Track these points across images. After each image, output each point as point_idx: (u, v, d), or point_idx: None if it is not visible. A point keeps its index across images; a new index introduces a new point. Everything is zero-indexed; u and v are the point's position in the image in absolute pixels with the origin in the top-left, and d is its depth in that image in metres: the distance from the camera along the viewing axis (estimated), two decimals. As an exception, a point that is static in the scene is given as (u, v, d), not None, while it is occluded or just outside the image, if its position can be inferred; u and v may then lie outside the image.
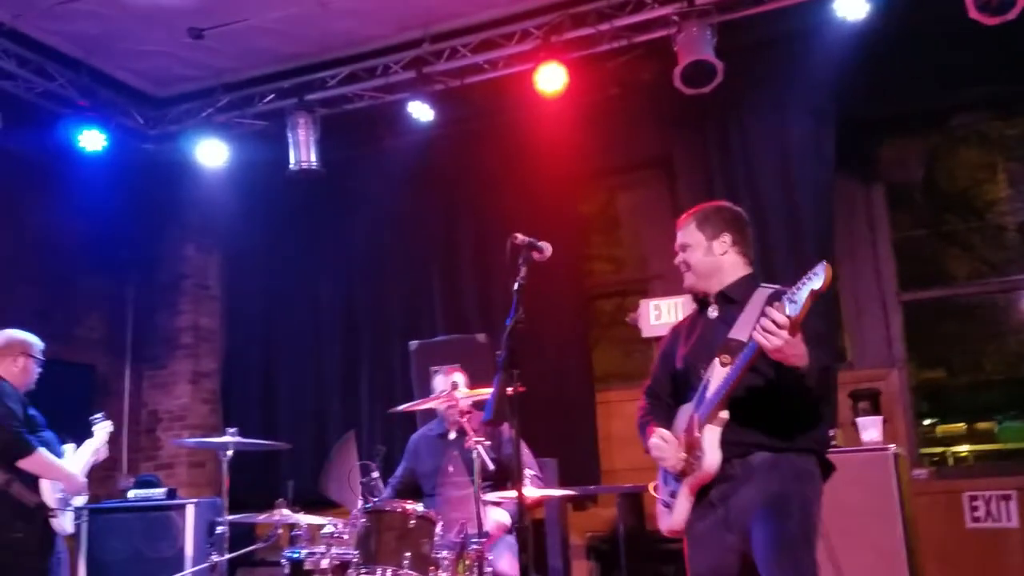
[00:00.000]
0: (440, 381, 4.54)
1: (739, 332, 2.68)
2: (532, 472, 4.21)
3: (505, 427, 4.11)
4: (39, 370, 4.40)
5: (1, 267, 6.26)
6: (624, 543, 4.93)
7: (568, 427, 5.90)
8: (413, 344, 5.79)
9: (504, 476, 4.16)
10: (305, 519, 4.21)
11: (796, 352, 2.44)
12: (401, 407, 4.43)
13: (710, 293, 2.90)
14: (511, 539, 4.29)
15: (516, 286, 2.89)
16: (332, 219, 7.07)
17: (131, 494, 6.05)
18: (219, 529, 4.55)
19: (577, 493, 4.98)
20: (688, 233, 2.94)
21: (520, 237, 2.93)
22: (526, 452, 4.24)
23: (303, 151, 6.19)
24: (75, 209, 6.60)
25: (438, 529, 3.81)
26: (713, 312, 2.88)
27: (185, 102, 6.66)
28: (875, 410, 5.06)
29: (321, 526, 4.12)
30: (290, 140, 6.21)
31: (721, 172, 5.96)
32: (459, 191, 6.69)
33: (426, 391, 5.42)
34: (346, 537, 3.91)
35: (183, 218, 7.41)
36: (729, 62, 5.27)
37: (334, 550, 3.87)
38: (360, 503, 3.93)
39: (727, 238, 2.89)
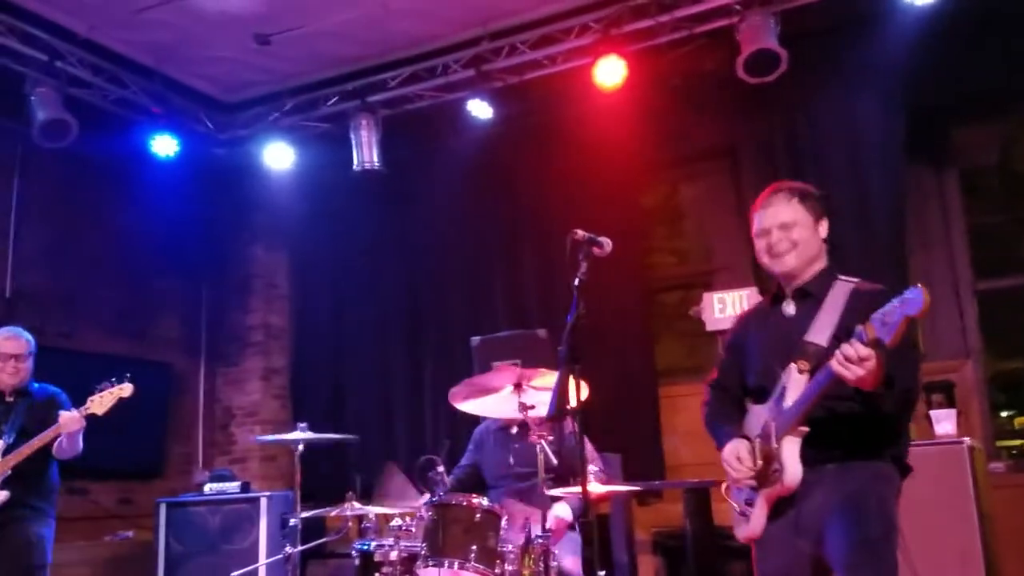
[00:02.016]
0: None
1: (817, 335, 2.54)
2: (595, 467, 4.21)
3: (568, 421, 4.11)
4: (8, 371, 4.20)
5: (81, 270, 6.52)
6: (691, 539, 4.89)
7: (632, 422, 5.87)
8: (475, 339, 5.83)
9: (567, 470, 4.16)
10: (374, 511, 4.28)
11: (876, 379, 2.29)
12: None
13: (789, 284, 2.72)
14: (574, 535, 4.29)
15: (577, 282, 2.88)
16: (395, 217, 7.17)
17: (207, 488, 6.23)
18: (292, 522, 4.66)
19: (642, 488, 4.95)
20: (793, 210, 2.67)
21: (580, 233, 2.92)
22: (589, 447, 4.23)
23: (366, 151, 6.30)
24: (150, 213, 6.84)
25: (503, 523, 3.84)
26: (790, 308, 2.71)
27: (253, 107, 6.85)
28: (949, 403, 4.91)
29: (390, 518, 4.19)
30: (353, 141, 6.32)
31: (788, 161, 5.86)
32: (519, 187, 6.72)
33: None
34: (413, 530, 3.97)
35: (252, 220, 7.62)
36: (794, 50, 5.17)
37: (402, 543, 3.93)
38: (426, 496, 3.99)
39: (826, 223, 2.72)
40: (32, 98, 5.59)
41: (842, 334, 2.43)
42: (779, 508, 2.60)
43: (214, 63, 6.42)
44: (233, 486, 6.17)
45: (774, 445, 2.56)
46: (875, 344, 2.23)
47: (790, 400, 2.54)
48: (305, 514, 4.60)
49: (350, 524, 4.88)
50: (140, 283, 6.97)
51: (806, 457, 2.53)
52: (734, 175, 6.37)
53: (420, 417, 6.78)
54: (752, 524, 2.68)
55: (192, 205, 7.13)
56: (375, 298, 7.19)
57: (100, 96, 6.16)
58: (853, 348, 2.24)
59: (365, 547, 4.11)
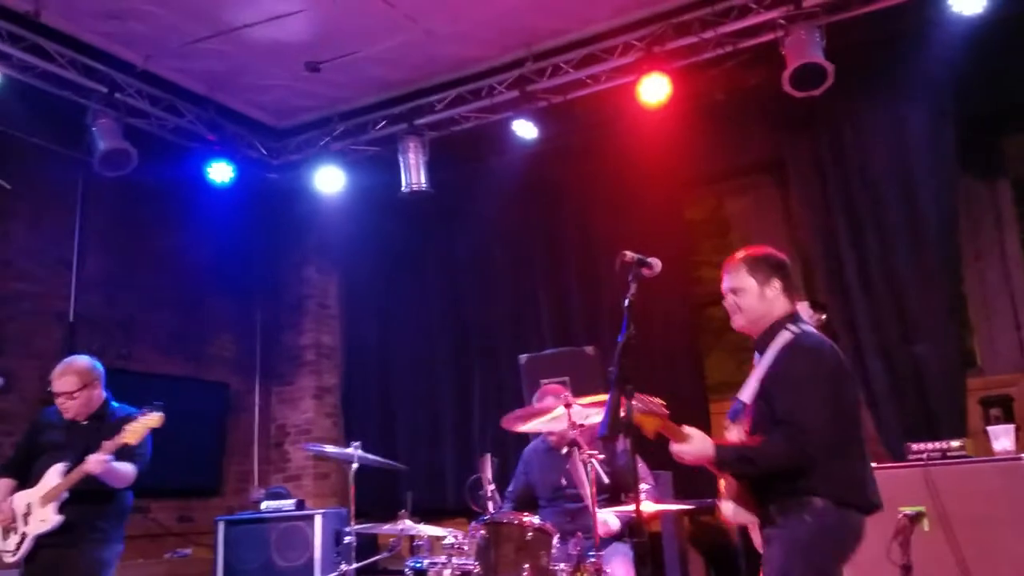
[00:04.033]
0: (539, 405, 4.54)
1: (745, 391, 2.86)
2: (646, 485, 4.21)
3: (620, 440, 4.12)
4: (62, 403, 4.18)
5: (140, 294, 6.72)
6: (744, 557, 4.85)
7: (682, 439, 5.84)
8: (523, 357, 5.87)
9: (618, 489, 4.17)
10: (427, 530, 4.33)
11: (692, 459, 2.77)
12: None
13: (755, 338, 2.99)
14: (624, 547, 4.29)
15: (626, 303, 2.90)
16: (441, 237, 7.27)
17: (263, 505, 6.35)
18: (347, 539, 4.73)
19: (694, 507, 4.92)
20: (740, 278, 3.00)
21: (630, 254, 2.95)
22: (641, 465, 4.24)
23: (414, 173, 6.40)
24: (205, 237, 7.05)
25: (555, 541, 3.86)
26: (757, 359, 2.96)
27: (304, 132, 7.02)
28: (1008, 418, 4.80)
29: (442, 537, 4.24)
30: (401, 163, 6.43)
31: (836, 174, 5.81)
32: (563, 205, 6.76)
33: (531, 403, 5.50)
34: (466, 548, 4.01)
35: (304, 242, 7.78)
36: (840, 62, 5.14)
37: (455, 560, 3.98)
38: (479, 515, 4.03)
39: (777, 284, 2.97)
40: (93, 129, 5.81)
41: (762, 391, 2.79)
42: (764, 537, 2.86)
43: (266, 91, 6.60)
44: (288, 503, 6.28)
45: None
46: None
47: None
48: (360, 528, 4.67)
49: (402, 541, 4.93)
50: (196, 305, 7.16)
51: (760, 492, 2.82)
52: (781, 189, 6.33)
53: (468, 434, 6.84)
54: (754, 538, 2.95)
55: (246, 229, 7.32)
56: (423, 317, 7.28)
57: (158, 125, 6.37)
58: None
59: (418, 565, 4.16)
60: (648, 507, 3.85)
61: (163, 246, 6.91)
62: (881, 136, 5.69)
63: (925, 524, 4.26)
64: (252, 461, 7.48)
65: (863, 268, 5.63)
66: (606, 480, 3.89)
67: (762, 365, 2.85)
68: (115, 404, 4.31)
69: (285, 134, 7.16)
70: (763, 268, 2.99)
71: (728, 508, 2.92)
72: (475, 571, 3.79)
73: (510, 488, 4.78)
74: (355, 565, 4.75)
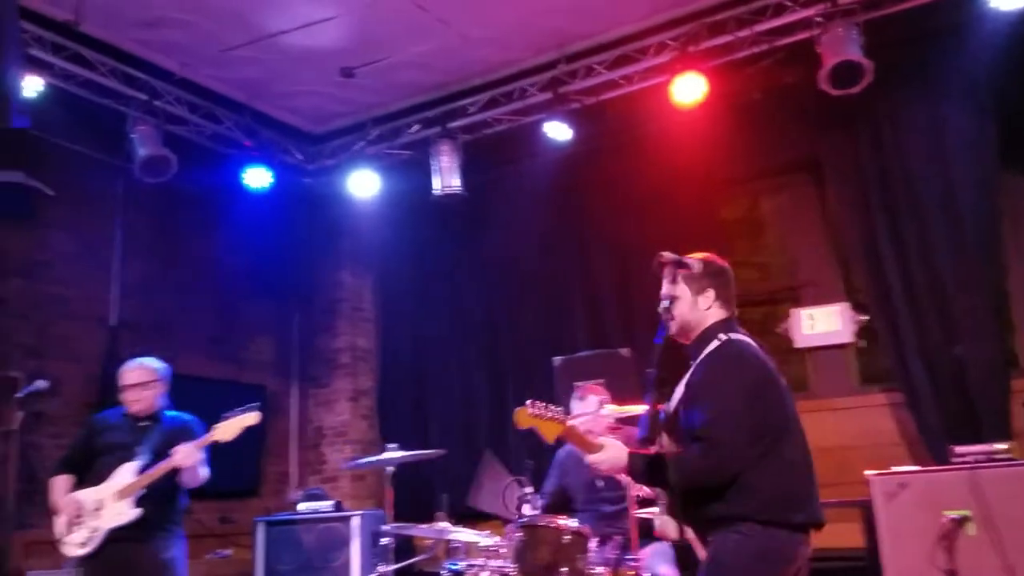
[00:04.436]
0: (582, 404, 4.53)
1: (675, 398, 2.83)
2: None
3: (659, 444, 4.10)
4: (132, 398, 4.35)
5: (179, 298, 6.82)
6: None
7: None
8: (557, 360, 5.85)
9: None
10: (465, 533, 4.34)
11: (607, 469, 2.77)
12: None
13: (687, 346, 2.93)
14: (665, 547, 4.26)
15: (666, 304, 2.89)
16: (474, 239, 7.29)
17: (301, 506, 6.41)
18: (384, 540, 4.76)
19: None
20: (675, 287, 2.94)
21: (668, 255, 2.93)
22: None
23: (447, 176, 6.43)
24: (243, 242, 7.13)
25: (592, 544, 3.85)
26: (691, 364, 2.90)
27: (339, 137, 7.09)
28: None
29: (478, 540, 4.24)
30: (434, 167, 6.46)
31: (875, 172, 5.73)
32: (597, 205, 6.74)
33: (568, 406, 5.49)
34: (503, 551, 4.01)
35: (339, 246, 7.85)
36: (878, 60, 5.07)
37: (492, 563, 3.98)
38: (515, 517, 4.03)
39: (711, 293, 2.91)
40: (133, 136, 5.91)
41: (685, 400, 2.75)
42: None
43: (301, 96, 6.67)
44: (326, 505, 6.33)
45: None
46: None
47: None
48: (397, 530, 4.69)
49: (438, 543, 4.95)
50: (234, 309, 7.26)
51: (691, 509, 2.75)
52: (818, 188, 6.26)
53: (503, 437, 6.84)
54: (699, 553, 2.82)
55: (282, 233, 7.40)
56: (456, 319, 7.30)
57: (196, 132, 6.46)
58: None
59: (455, 567, 4.17)
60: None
61: (202, 251, 7.01)
62: (920, 134, 5.60)
63: (970, 528, 4.18)
64: (289, 463, 7.56)
65: (904, 268, 5.54)
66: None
67: (689, 373, 2.81)
68: (169, 412, 4.45)
69: (320, 139, 7.24)
70: (699, 278, 2.94)
71: (657, 522, 2.86)
72: (512, 574, 3.79)
73: (544, 491, 4.77)
74: (393, 566, 4.76)
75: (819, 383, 6.12)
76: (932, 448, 5.24)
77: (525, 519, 3.94)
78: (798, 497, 2.68)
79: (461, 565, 4.15)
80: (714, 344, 2.79)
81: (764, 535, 2.58)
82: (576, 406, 4.50)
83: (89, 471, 4.25)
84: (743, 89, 5.87)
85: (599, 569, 3.77)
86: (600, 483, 4.45)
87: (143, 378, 4.37)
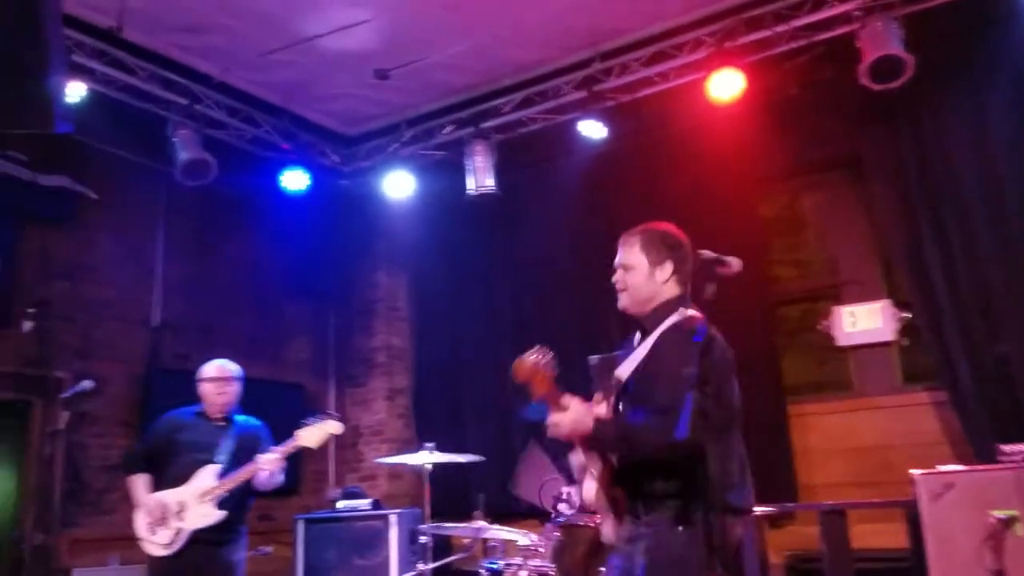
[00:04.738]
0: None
1: (625, 368, 2.71)
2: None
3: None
4: (216, 391, 4.52)
5: (219, 299, 6.92)
6: (828, 563, 4.73)
7: (760, 441, 5.70)
8: (593, 359, 5.81)
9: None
10: (503, 532, 4.35)
11: (568, 431, 2.56)
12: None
13: (640, 318, 2.83)
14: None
15: (704, 303, 2.86)
16: (509, 239, 7.29)
17: (339, 505, 6.47)
18: (422, 539, 4.79)
19: (776, 510, 4.82)
20: (631, 253, 2.87)
21: (706, 253, 2.90)
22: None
23: (481, 176, 6.44)
24: (281, 243, 7.23)
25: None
26: (636, 338, 2.83)
27: (373, 139, 7.14)
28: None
29: (515, 538, 4.25)
30: (468, 167, 6.48)
31: (916, 168, 5.63)
32: (632, 203, 6.67)
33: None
34: (541, 549, 4.02)
35: (374, 246, 7.90)
36: (919, 54, 4.98)
37: (530, 562, 3.99)
38: (551, 515, 4.03)
39: (669, 267, 2.84)
40: (174, 140, 6.01)
41: (641, 368, 2.66)
42: (624, 537, 2.65)
43: (337, 99, 6.73)
44: (364, 503, 6.38)
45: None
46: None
47: None
48: (435, 528, 4.72)
49: (476, 542, 4.97)
50: (273, 310, 7.34)
51: (630, 487, 2.63)
52: (858, 184, 6.16)
53: (538, 436, 6.83)
54: (604, 531, 2.73)
55: (319, 235, 7.47)
56: (491, 319, 7.31)
57: (235, 135, 6.55)
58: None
59: (494, 566, 4.18)
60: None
61: (241, 252, 7.11)
62: (963, 128, 5.49)
63: (1018, 528, 4.09)
64: (328, 461, 7.62)
65: (947, 265, 5.44)
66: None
67: (645, 345, 2.73)
68: (238, 415, 4.60)
69: (355, 141, 7.29)
70: (658, 247, 2.87)
71: (591, 489, 2.71)
72: (550, 573, 3.79)
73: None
74: (431, 565, 4.79)
75: (861, 382, 6.03)
76: (977, 447, 5.14)
77: (563, 518, 3.94)
78: (737, 484, 2.64)
79: (499, 564, 4.16)
80: (675, 317, 2.72)
81: (709, 522, 2.52)
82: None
83: (165, 469, 4.38)
84: (781, 85, 5.80)
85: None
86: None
87: (226, 374, 4.54)
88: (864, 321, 5.89)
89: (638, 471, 2.59)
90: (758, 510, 4.38)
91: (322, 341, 7.80)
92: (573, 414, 2.55)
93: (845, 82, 5.35)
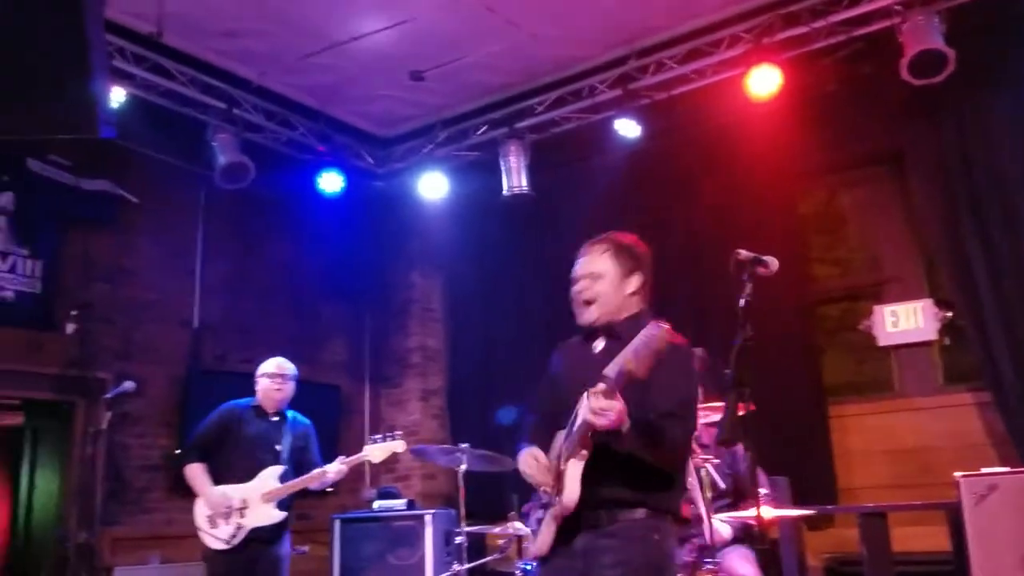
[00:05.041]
0: None
1: (612, 368, 2.57)
2: (764, 491, 4.09)
3: (739, 446, 4.03)
4: (274, 387, 4.69)
5: (257, 301, 6.99)
6: (868, 566, 4.65)
7: (799, 443, 5.65)
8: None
9: (738, 495, 4.07)
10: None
11: (621, 421, 2.41)
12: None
13: (609, 325, 2.74)
14: (746, 549, 4.17)
15: (742, 303, 2.81)
16: (543, 239, 7.26)
17: (375, 505, 6.50)
18: (458, 539, 4.80)
19: (815, 513, 4.75)
20: (600, 261, 2.76)
21: (744, 253, 2.85)
22: (760, 471, 4.14)
23: (515, 176, 6.44)
24: (317, 244, 7.28)
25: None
26: (599, 345, 2.75)
27: (408, 140, 7.17)
28: None
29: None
30: (502, 167, 6.47)
31: (958, 163, 5.52)
32: (668, 203, 6.65)
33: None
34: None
35: (409, 247, 7.93)
36: (962, 48, 4.89)
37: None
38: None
39: (638, 278, 2.77)
40: (213, 144, 6.08)
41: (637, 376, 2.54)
42: (571, 546, 2.59)
43: (372, 101, 6.76)
44: (400, 503, 6.41)
45: (561, 467, 2.59)
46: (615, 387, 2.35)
47: (576, 425, 2.57)
48: (471, 529, 4.74)
49: (511, 543, 4.96)
50: (309, 311, 7.40)
51: (598, 492, 2.54)
52: (899, 181, 6.06)
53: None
54: (538, 542, 2.66)
55: (354, 236, 7.52)
56: (524, 319, 7.28)
57: (272, 139, 6.61)
58: (595, 400, 2.36)
59: (528, 567, 4.16)
60: (768, 512, 3.74)
61: (278, 254, 7.18)
62: (1006, 123, 5.37)
63: (1067, 533, 3.99)
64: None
65: (990, 263, 5.32)
66: (722, 485, 3.80)
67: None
68: (290, 411, 4.77)
69: (390, 143, 7.32)
70: (629, 258, 2.78)
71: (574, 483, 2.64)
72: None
73: None
74: (467, 565, 4.80)
75: (902, 382, 5.93)
76: (1022, 449, 5.02)
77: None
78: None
79: (532, 566, 4.14)
80: (654, 330, 2.58)
81: (675, 531, 2.60)
82: None
83: (224, 460, 4.52)
84: (820, 81, 5.72)
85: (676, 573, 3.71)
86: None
87: (284, 371, 4.71)
88: (905, 320, 5.80)
89: (610, 478, 2.54)
90: (797, 512, 4.32)
91: (358, 342, 7.85)
92: (621, 404, 2.44)
93: (885, 77, 5.27)
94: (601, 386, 2.38)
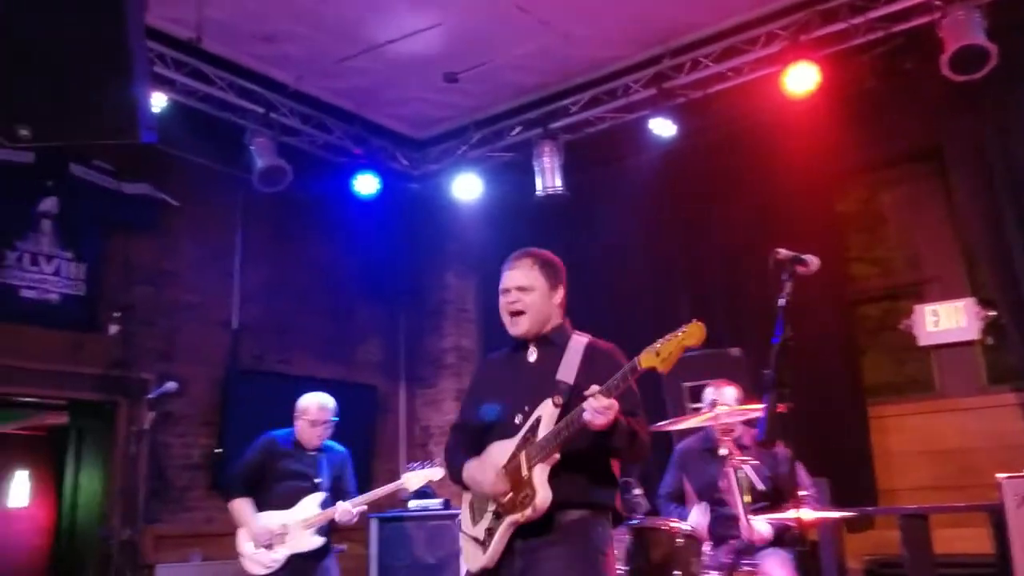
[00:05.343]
0: (719, 394, 4.39)
1: (565, 375, 2.78)
2: (806, 492, 4.04)
3: (780, 447, 3.99)
4: (316, 432, 4.70)
5: (294, 302, 7.07)
6: (910, 568, 4.59)
7: (839, 444, 5.57)
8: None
9: (779, 495, 4.03)
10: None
11: (612, 419, 2.58)
12: (663, 424, 4.38)
13: (529, 337, 2.90)
14: (784, 552, 4.13)
15: (783, 303, 2.79)
16: (577, 240, 7.23)
17: (411, 504, 6.53)
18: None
19: (856, 514, 4.69)
20: (529, 275, 2.89)
21: (783, 252, 2.84)
22: (802, 472, 4.10)
23: (549, 177, 6.43)
24: (353, 246, 7.35)
25: (706, 547, 3.77)
26: (532, 355, 2.90)
27: (442, 142, 7.20)
28: None
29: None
30: (536, 168, 6.47)
31: (1000, 160, 5.40)
32: (704, 202, 6.59)
33: (678, 405, 5.38)
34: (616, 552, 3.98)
35: (444, 248, 7.97)
36: (1004, 42, 4.80)
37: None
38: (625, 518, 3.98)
39: (561, 291, 2.95)
40: (251, 148, 6.16)
41: (582, 378, 2.73)
42: (507, 548, 2.71)
43: (407, 103, 6.81)
44: (436, 502, 6.43)
45: (524, 473, 2.69)
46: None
47: (546, 430, 2.70)
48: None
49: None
50: (345, 312, 7.47)
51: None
52: (940, 178, 5.96)
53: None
54: (491, 552, 2.73)
55: (389, 238, 7.58)
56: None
57: (308, 142, 6.68)
58: (598, 400, 2.54)
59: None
60: (808, 514, 3.70)
61: (315, 256, 7.25)
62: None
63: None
64: (399, 461, 7.71)
65: (1035, 260, 5.21)
66: (761, 486, 3.77)
67: (574, 355, 2.82)
68: (327, 442, 4.83)
69: (424, 145, 7.36)
70: (554, 272, 2.92)
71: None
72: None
73: (665, 484, 4.63)
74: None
75: (944, 382, 5.83)
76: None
77: (636, 521, 3.90)
78: None
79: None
80: (584, 337, 2.88)
81: (610, 521, 2.80)
82: (710, 395, 4.34)
83: (266, 493, 4.61)
84: (858, 77, 5.65)
85: (713, 574, 3.69)
86: (722, 484, 4.34)
87: (326, 416, 4.74)
88: (947, 320, 5.71)
89: (561, 480, 2.66)
90: (837, 514, 4.27)
91: (393, 343, 7.90)
92: (616, 404, 2.59)
93: (925, 73, 5.20)
94: (596, 388, 2.57)
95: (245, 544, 4.56)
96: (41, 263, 5.70)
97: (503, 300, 2.93)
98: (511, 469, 2.74)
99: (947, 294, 5.76)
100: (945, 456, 5.55)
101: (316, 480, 4.63)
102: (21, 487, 9.03)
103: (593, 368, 2.77)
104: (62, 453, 6.54)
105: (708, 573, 3.68)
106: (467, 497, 2.92)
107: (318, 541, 4.55)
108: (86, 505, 6.21)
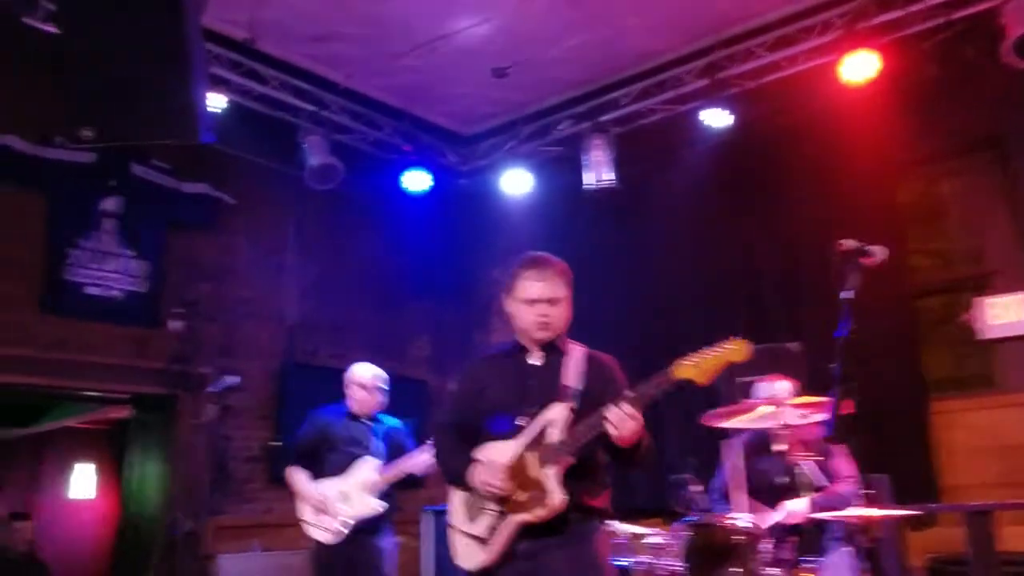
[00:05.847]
0: (771, 389, 4.33)
1: (572, 380, 2.86)
2: (849, 477, 3.99)
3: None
4: (363, 394, 4.74)
5: (346, 298, 7.16)
6: (974, 566, 4.48)
7: (900, 439, 5.47)
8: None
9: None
10: (631, 528, 4.32)
11: (636, 436, 2.65)
12: (720, 421, 4.33)
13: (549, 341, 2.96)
14: (848, 551, 4.07)
15: (849, 295, 2.75)
16: (628, 233, 7.19)
17: (463, 498, 6.57)
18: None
19: (918, 512, 4.61)
20: (560, 287, 2.96)
21: (848, 242, 2.80)
22: (843, 459, 4.04)
23: (599, 170, 6.40)
24: (404, 242, 7.40)
25: (765, 545, 3.74)
26: (537, 359, 2.95)
27: (491, 137, 7.22)
28: None
29: (642, 535, 4.21)
30: (586, 161, 6.45)
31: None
32: (758, 193, 6.49)
33: (730, 400, 5.32)
34: (673, 548, 3.96)
35: (493, 244, 7.97)
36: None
37: (660, 561, 3.94)
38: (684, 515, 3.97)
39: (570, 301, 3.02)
40: (304, 146, 6.25)
41: (589, 385, 2.83)
42: (509, 551, 2.74)
43: (456, 99, 6.84)
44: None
45: (534, 473, 2.73)
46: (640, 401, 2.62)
47: (557, 435, 2.75)
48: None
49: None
50: (396, 307, 7.53)
51: None
52: (1002, 168, 5.79)
53: (661, 434, 6.72)
54: (493, 550, 2.76)
55: (439, 233, 7.62)
56: (609, 314, 7.19)
57: (359, 139, 6.75)
58: (621, 409, 2.60)
59: (622, 563, 4.16)
60: (868, 512, 3.64)
61: (367, 252, 7.32)
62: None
63: None
64: (449, 455, 7.76)
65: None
66: (822, 483, 3.72)
67: (576, 363, 2.89)
68: (380, 414, 4.85)
69: (473, 140, 7.39)
70: (571, 280, 3.00)
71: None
72: (683, 573, 3.75)
73: (721, 483, 4.60)
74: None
75: (1006, 377, 5.68)
76: None
77: (695, 517, 3.88)
78: None
79: (627, 561, 4.13)
80: (579, 346, 2.98)
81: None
82: (762, 390, 4.32)
83: (322, 464, 4.63)
84: (916, 66, 5.50)
85: (773, 571, 3.65)
86: (781, 480, 4.28)
87: (377, 383, 4.78)
88: (1009, 313, 5.55)
89: (567, 482, 2.72)
90: (899, 512, 4.19)
91: (442, 338, 7.95)
92: (640, 415, 2.65)
93: (987, 61, 5.05)
94: (629, 394, 2.65)
95: (305, 512, 4.59)
96: (104, 261, 5.86)
97: (534, 311, 2.94)
98: (517, 469, 2.77)
99: (1009, 287, 5.60)
100: (1009, 452, 5.41)
101: (370, 447, 4.63)
102: (87, 479, 9.32)
103: (598, 377, 2.88)
104: (125, 446, 6.72)
105: (767, 571, 3.64)
106: (459, 493, 2.94)
107: (378, 505, 4.51)
108: (149, 497, 6.37)
